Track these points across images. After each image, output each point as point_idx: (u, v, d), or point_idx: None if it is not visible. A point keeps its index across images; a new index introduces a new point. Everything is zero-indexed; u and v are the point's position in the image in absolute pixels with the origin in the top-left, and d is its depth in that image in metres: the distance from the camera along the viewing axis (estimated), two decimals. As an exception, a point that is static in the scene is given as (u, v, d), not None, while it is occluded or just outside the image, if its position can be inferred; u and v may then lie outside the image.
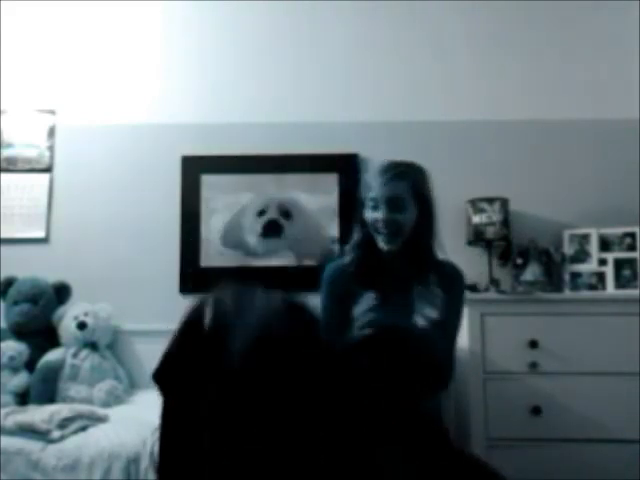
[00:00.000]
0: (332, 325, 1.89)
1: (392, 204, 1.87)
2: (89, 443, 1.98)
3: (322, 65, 3.30)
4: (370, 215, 1.89)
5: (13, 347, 2.67)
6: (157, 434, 1.68)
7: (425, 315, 1.84)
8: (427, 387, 1.82)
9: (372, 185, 1.92)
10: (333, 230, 3.16)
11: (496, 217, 2.95)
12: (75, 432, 2.07)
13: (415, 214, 1.90)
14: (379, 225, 1.87)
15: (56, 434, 2.01)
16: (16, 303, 2.84)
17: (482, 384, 2.58)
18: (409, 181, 1.90)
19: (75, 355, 2.71)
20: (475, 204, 2.99)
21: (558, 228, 3.05)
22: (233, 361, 1.40)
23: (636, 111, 3.14)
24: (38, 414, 2.12)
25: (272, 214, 3.18)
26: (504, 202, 2.98)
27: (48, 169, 3.24)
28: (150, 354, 2.96)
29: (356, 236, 1.97)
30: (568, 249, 2.96)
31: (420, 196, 1.91)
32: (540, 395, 2.56)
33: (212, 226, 3.17)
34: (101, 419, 2.22)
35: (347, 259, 1.98)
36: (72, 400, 2.54)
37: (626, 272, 2.84)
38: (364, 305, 1.86)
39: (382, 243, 1.88)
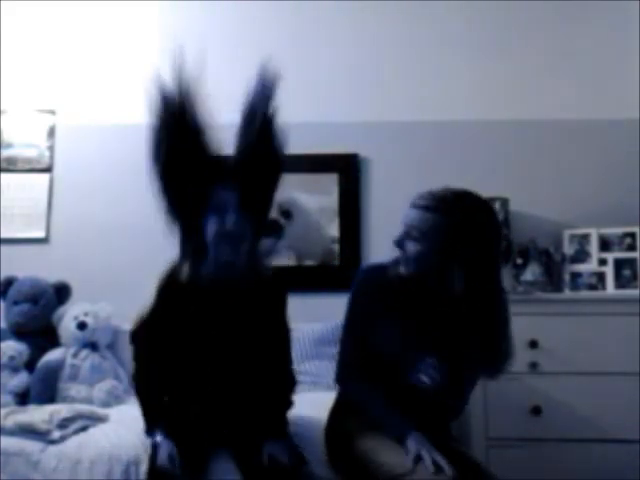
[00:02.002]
0: (355, 329, 1.88)
1: (407, 232, 1.79)
2: (89, 444, 1.97)
3: (322, 65, 3.30)
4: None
5: (13, 347, 2.67)
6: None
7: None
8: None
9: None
10: (333, 230, 3.16)
11: (496, 217, 2.95)
12: (75, 432, 2.06)
13: (436, 248, 1.74)
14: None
15: (56, 434, 2.01)
16: (16, 303, 2.84)
17: (482, 384, 2.57)
18: (436, 214, 1.75)
19: (75, 355, 2.70)
20: (475, 204, 2.98)
21: (558, 228, 3.04)
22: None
23: (636, 111, 3.14)
24: (38, 414, 2.11)
25: (272, 214, 3.18)
26: (504, 202, 2.98)
27: (48, 169, 3.24)
28: (150, 354, 2.99)
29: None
30: (568, 249, 2.96)
31: (455, 234, 1.73)
32: (540, 395, 2.56)
33: (212, 226, 3.16)
34: (101, 419, 2.22)
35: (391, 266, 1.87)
36: (72, 400, 2.54)
37: (626, 272, 2.83)
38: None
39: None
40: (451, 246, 1.73)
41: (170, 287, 1.89)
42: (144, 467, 1.84)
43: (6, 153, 3.25)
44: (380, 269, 1.89)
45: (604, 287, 2.85)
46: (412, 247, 1.77)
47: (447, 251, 1.74)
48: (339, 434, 1.85)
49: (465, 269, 1.73)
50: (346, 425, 1.84)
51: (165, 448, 1.74)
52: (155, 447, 1.76)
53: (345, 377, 1.88)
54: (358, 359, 1.85)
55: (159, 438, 1.78)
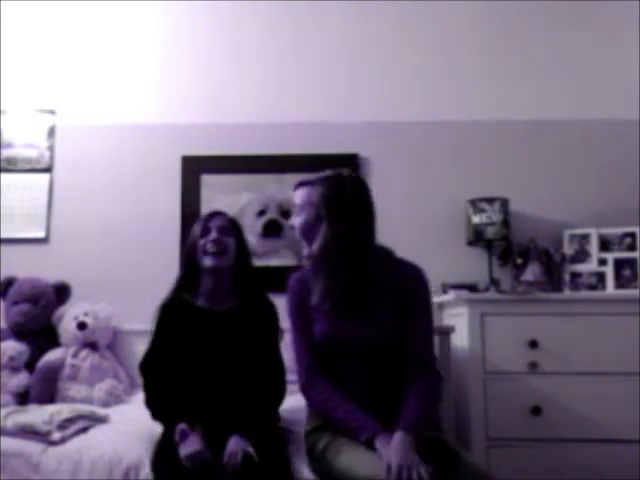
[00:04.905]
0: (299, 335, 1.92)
1: (294, 213, 1.95)
2: (90, 446, 1.97)
3: (322, 65, 3.30)
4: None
5: (13, 347, 2.67)
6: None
7: None
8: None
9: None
10: (333, 230, 3.15)
11: (496, 217, 2.95)
12: (76, 433, 2.06)
13: (314, 213, 1.88)
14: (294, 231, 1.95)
15: (57, 436, 2.00)
16: (16, 303, 2.83)
17: (482, 384, 2.58)
18: (309, 187, 1.91)
19: (75, 355, 2.70)
20: (475, 204, 2.99)
21: (558, 228, 3.05)
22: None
23: (636, 111, 3.14)
24: (38, 415, 2.11)
25: (272, 214, 3.18)
26: (504, 202, 2.98)
27: (48, 169, 3.24)
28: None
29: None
30: (568, 249, 2.96)
31: (323, 203, 1.87)
32: (540, 395, 2.56)
33: (212, 226, 3.16)
34: (101, 419, 2.22)
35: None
36: (72, 400, 2.54)
37: (626, 272, 2.84)
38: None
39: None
40: (326, 211, 1.84)
41: (167, 313, 2.08)
42: (144, 470, 1.84)
43: (6, 153, 3.25)
44: (299, 273, 1.99)
45: (604, 287, 2.85)
46: (297, 221, 1.91)
47: (322, 216, 1.85)
48: (317, 454, 1.83)
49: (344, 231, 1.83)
50: (320, 443, 1.82)
51: (194, 437, 1.80)
52: (183, 433, 1.81)
53: (305, 383, 1.87)
54: (314, 361, 1.86)
55: (184, 425, 1.82)
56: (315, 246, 1.86)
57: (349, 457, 1.70)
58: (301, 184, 1.94)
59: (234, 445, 1.78)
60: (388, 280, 1.86)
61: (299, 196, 1.92)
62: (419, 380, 1.80)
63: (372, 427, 1.72)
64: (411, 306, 1.86)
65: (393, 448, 1.63)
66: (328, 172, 1.94)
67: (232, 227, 2.13)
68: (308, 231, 1.88)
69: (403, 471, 1.57)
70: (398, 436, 1.66)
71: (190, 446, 1.78)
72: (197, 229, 2.10)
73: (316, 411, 1.89)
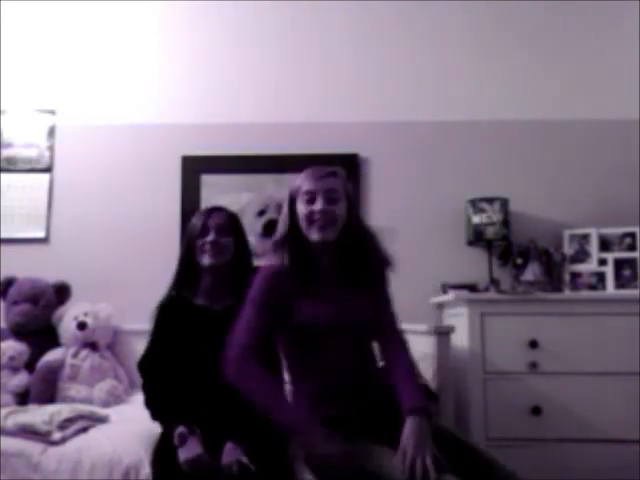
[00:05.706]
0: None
1: (328, 196, 1.90)
2: (90, 446, 1.97)
3: (322, 65, 3.31)
4: (304, 208, 1.92)
5: (13, 347, 2.67)
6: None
7: None
8: None
9: (305, 182, 1.95)
10: (333, 230, 3.16)
11: (496, 217, 2.95)
12: (76, 433, 2.06)
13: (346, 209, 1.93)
14: (315, 216, 1.88)
15: (57, 435, 2.00)
16: (16, 303, 2.83)
17: (482, 384, 2.58)
18: (341, 178, 1.97)
19: (75, 355, 2.70)
20: (475, 204, 2.99)
21: (558, 228, 3.05)
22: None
23: (636, 111, 3.14)
24: (39, 415, 2.11)
25: (272, 214, 3.18)
26: (504, 202, 2.98)
27: (48, 169, 3.24)
28: (150, 354, 2.98)
29: (282, 231, 1.99)
30: (568, 249, 2.96)
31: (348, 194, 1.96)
32: (540, 395, 2.57)
33: (212, 226, 3.16)
34: (101, 419, 2.22)
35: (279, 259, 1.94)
36: (72, 400, 2.53)
37: (626, 272, 2.84)
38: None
39: (315, 233, 1.88)
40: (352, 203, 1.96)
41: (166, 312, 2.06)
42: (144, 470, 1.84)
43: (6, 153, 3.25)
44: (274, 266, 1.92)
45: (604, 287, 2.85)
46: (340, 209, 1.90)
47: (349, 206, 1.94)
48: (329, 467, 1.75)
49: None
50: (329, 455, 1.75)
51: (193, 441, 1.77)
52: (182, 437, 1.78)
53: (238, 359, 1.79)
54: (256, 346, 1.81)
55: (183, 429, 1.79)
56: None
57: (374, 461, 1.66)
58: (331, 174, 1.94)
59: (228, 455, 1.77)
60: (357, 265, 1.92)
61: (329, 183, 1.91)
62: (400, 354, 1.86)
63: (306, 417, 1.71)
64: (377, 287, 1.94)
65: (409, 434, 1.65)
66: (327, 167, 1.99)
67: (231, 225, 2.11)
68: (331, 215, 1.88)
69: (417, 459, 1.59)
70: (411, 420, 1.68)
71: (190, 451, 1.77)
72: (196, 225, 2.07)
73: (240, 392, 1.81)
